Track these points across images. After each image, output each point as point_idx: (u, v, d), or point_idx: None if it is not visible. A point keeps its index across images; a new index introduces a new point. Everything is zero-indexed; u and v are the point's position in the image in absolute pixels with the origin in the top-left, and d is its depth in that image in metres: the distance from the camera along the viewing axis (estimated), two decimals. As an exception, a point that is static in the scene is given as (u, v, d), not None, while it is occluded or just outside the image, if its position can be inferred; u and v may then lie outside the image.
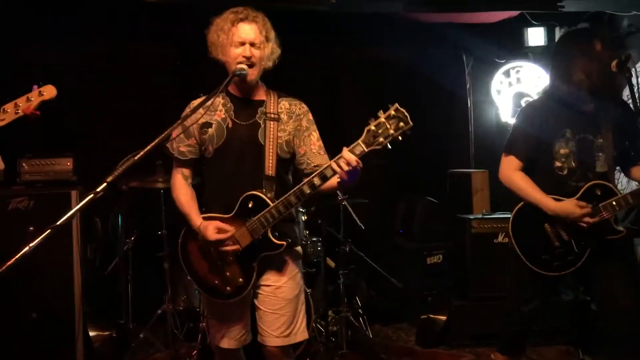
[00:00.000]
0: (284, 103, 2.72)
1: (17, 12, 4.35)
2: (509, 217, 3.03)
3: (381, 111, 2.38)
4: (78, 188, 4.04)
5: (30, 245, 1.93)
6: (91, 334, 4.08)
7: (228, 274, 2.63)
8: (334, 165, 2.40)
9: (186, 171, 2.75)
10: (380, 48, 5.21)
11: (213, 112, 2.66)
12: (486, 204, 4.67)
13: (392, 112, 2.36)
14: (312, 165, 2.68)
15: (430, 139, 4.90)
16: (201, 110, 2.58)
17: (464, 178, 4.85)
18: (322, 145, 2.74)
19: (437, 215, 4.95)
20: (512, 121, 5.24)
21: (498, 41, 5.29)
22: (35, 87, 2.50)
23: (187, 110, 2.66)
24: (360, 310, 4.47)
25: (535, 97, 5.03)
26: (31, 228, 3.87)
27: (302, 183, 2.52)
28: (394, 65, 5.26)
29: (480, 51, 5.39)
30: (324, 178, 2.46)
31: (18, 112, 2.43)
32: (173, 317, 4.20)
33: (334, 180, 2.48)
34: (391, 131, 2.36)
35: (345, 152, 2.38)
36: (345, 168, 2.36)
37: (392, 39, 5.07)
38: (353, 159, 2.36)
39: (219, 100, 2.68)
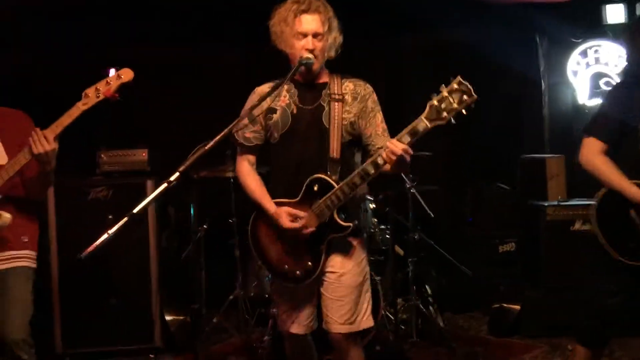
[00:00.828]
0: (348, 84, 2.70)
1: (104, 18, 4.54)
2: (587, 204, 2.90)
3: (443, 85, 2.34)
4: (153, 178, 4.19)
5: (109, 232, 2.02)
6: (167, 318, 4.24)
7: (297, 257, 2.65)
8: (383, 155, 2.42)
9: (251, 158, 2.78)
10: (447, 31, 5.09)
11: (277, 99, 2.67)
12: (562, 190, 4.49)
13: (455, 86, 2.31)
14: (376, 147, 2.67)
15: (501, 124, 4.76)
16: (263, 97, 2.60)
17: (538, 164, 4.69)
18: (385, 127, 2.73)
19: (508, 203, 4.82)
20: (589, 103, 5.04)
21: (574, 20, 5.05)
22: (113, 70, 2.60)
23: (253, 96, 2.69)
24: (430, 299, 4.42)
25: (616, 77, 4.80)
26: (110, 216, 4.06)
27: (365, 163, 2.52)
28: (463, 48, 5.12)
29: (554, 31, 5.16)
30: (381, 162, 2.45)
31: (99, 96, 2.53)
32: (244, 303, 4.29)
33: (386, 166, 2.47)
34: (455, 105, 2.31)
35: (390, 142, 2.40)
36: (392, 158, 2.38)
37: (461, 21, 4.94)
38: (397, 150, 2.37)
39: (283, 86, 2.68)
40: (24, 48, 4.65)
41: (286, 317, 2.79)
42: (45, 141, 2.54)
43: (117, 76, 2.54)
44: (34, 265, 2.87)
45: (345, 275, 2.67)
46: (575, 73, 5.17)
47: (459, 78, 2.30)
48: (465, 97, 2.29)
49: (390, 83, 5.18)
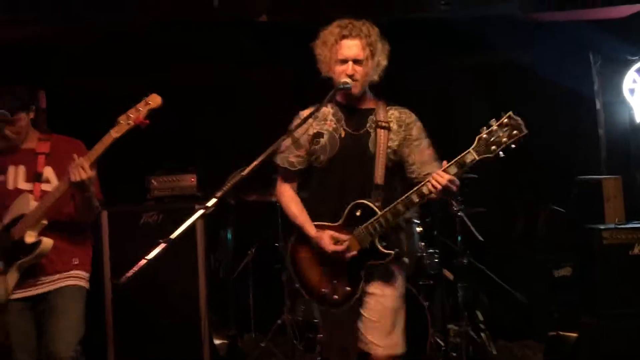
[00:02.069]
0: (394, 112, 2.72)
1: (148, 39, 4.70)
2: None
3: (494, 119, 2.38)
4: (202, 202, 4.26)
5: (147, 257, 2.05)
6: (216, 342, 4.27)
7: (336, 281, 2.66)
8: (429, 185, 2.46)
9: (294, 182, 2.80)
10: (500, 52, 5.00)
11: (323, 122, 2.70)
12: (620, 212, 4.30)
13: (506, 120, 2.35)
14: (423, 174, 2.66)
15: (553, 144, 4.63)
16: (310, 121, 2.65)
17: (594, 185, 4.52)
18: (432, 153, 2.72)
19: (563, 225, 4.65)
20: (647, 122, 4.85)
21: (629, 37, 4.90)
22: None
23: (297, 121, 2.71)
24: (481, 325, 4.30)
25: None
26: (160, 240, 4.14)
27: (410, 191, 2.52)
28: (512, 69, 5.03)
29: (609, 49, 5.01)
30: (422, 195, 2.50)
31: (129, 123, 2.63)
32: (292, 328, 4.28)
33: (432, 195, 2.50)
34: (504, 139, 2.34)
35: (437, 173, 2.44)
36: (437, 187, 2.42)
37: (513, 41, 4.87)
38: (443, 180, 2.41)
39: (328, 110, 2.71)
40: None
41: (331, 344, 2.83)
42: (82, 170, 2.64)
43: (145, 103, 2.63)
44: (86, 286, 2.95)
45: (385, 297, 2.66)
46: (632, 91, 4.99)
47: (510, 113, 2.35)
48: (515, 131, 2.33)
49: (441, 105, 5.13)
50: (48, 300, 2.85)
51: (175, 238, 2.12)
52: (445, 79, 5.18)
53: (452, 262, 4.29)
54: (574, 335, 4.13)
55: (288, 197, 2.79)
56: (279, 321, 4.28)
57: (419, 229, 4.17)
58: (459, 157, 2.43)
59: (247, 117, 4.98)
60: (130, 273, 2.03)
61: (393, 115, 2.70)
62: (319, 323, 3.01)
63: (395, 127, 2.68)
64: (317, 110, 2.60)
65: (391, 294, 2.68)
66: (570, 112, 5.18)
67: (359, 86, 2.63)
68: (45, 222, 2.75)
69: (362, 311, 2.69)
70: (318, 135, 2.67)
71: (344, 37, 2.59)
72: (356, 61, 2.59)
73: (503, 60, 5.06)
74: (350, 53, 2.58)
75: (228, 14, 4.18)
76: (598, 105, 5.17)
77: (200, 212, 2.10)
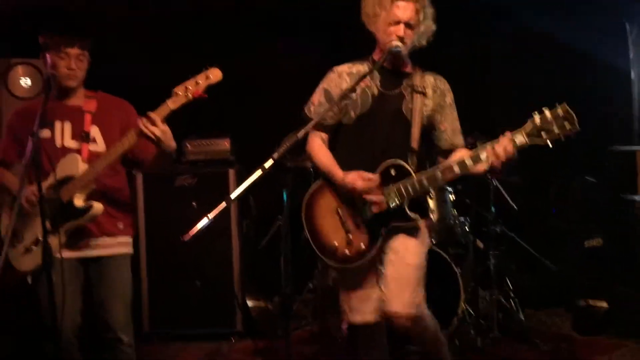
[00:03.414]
0: (429, 78, 2.71)
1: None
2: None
3: (547, 108, 2.38)
4: (235, 167, 4.30)
5: (209, 216, 2.06)
6: (249, 304, 4.33)
7: (352, 236, 2.61)
8: (490, 151, 2.41)
9: (324, 136, 2.76)
10: (531, 20, 4.93)
11: (357, 79, 2.65)
12: (653, 183, 4.29)
13: (560, 112, 2.36)
14: (450, 143, 2.70)
15: (587, 115, 4.55)
16: (345, 76, 2.64)
17: (627, 156, 4.50)
18: (459, 126, 2.74)
19: (596, 196, 4.63)
20: (683, 93, 4.78)
21: (667, 6, 4.80)
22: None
23: (333, 75, 2.70)
24: (511, 293, 4.32)
25: None
26: (194, 203, 4.20)
27: (452, 160, 2.52)
28: (545, 38, 4.96)
29: (646, 18, 4.93)
30: (477, 160, 2.46)
31: (188, 96, 2.56)
32: (322, 291, 4.33)
33: (481, 166, 2.47)
34: (555, 130, 2.36)
35: (506, 140, 2.40)
36: (502, 156, 2.39)
37: (545, 9, 4.79)
38: (511, 150, 2.39)
39: (364, 68, 2.68)
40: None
41: (351, 307, 2.73)
42: (154, 126, 2.56)
43: (205, 76, 2.57)
44: (131, 251, 2.95)
45: (409, 253, 2.60)
46: (668, 62, 4.91)
47: (565, 105, 2.35)
48: (567, 124, 2.34)
49: (473, 75, 5.09)
50: (99, 267, 2.83)
51: (235, 198, 2.11)
52: (481, 49, 5.13)
53: (483, 230, 4.29)
54: (604, 304, 4.15)
55: (318, 146, 2.73)
56: (310, 285, 4.34)
57: (451, 197, 4.18)
58: (510, 135, 2.43)
59: (280, 85, 4.98)
60: (193, 231, 2.04)
61: (429, 80, 2.69)
62: (337, 289, 2.87)
63: (430, 92, 2.67)
64: (370, 72, 2.58)
65: (415, 250, 2.62)
66: (604, 83, 5.12)
67: (406, 49, 2.62)
68: (94, 185, 2.72)
69: (382, 268, 2.62)
70: (351, 90, 2.62)
71: None
72: (408, 24, 2.57)
73: (536, 29, 4.99)
74: (405, 16, 2.56)
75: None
76: (633, 76, 5.10)
77: (259, 172, 2.10)
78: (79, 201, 2.70)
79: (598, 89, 5.05)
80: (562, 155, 4.90)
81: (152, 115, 2.57)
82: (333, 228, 2.65)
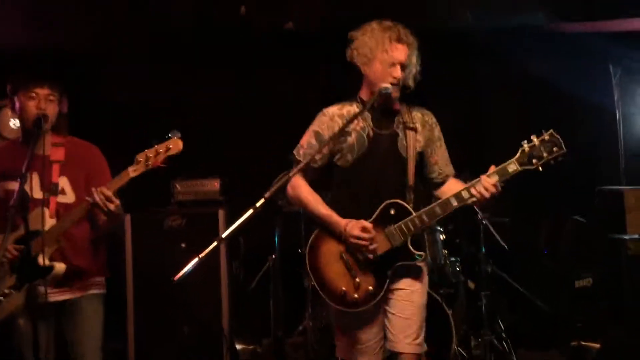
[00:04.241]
0: (417, 113, 2.75)
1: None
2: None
3: (534, 135, 2.50)
4: (224, 207, 4.28)
5: (200, 256, 2.03)
6: (238, 347, 4.26)
7: (358, 280, 2.59)
8: (473, 190, 2.51)
9: (310, 179, 2.74)
10: (519, 62, 5.03)
11: (349, 119, 2.65)
12: (641, 223, 4.31)
13: (547, 137, 2.49)
14: (444, 174, 2.76)
15: (575, 154, 4.60)
16: (336, 119, 2.66)
17: (615, 196, 4.52)
18: (448, 156, 2.80)
19: (586, 236, 4.64)
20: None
21: (649, 49, 4.91)
22: (171, 134, 2.65)
23: (323, 118, 2.71)
24: (503, 334, 4.28)
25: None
26: (183, 244, 4.16)
27: (449, 195, 2.55)
28: (535, 79, 5.06)
29: (628, 60, 5.04)
30: (470, 193, 2.52)
31: (148, 165, 2.61)
32: (314, 334, 4.27)
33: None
34: (545, 154, 2.48)
35: (483, 179, 2.50)
36: (484, 194, 2.49)
37: (534, 51, 4.90)
38: (490, 186, 2.48)
39: (354, 109, 2.69)
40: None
41: (357, 350, 2.69)
42: (108, 202, 2.61)
43: (166, 147, 2.60)
44: (104, 291, 2.92)
45: (415, 293, 2.65)
46: (652, 103, 5.00)
47: (551, 131, 2.49)
48: (555, 148, 2.47)
49: (465, 115, 5.15)
50: (68, 309, 2.81)
51: (225, 237, 2.09)
52: (473, 89, 5.21)
53: (475, 270, 4.28)
54: (597, 345, 4.11)
55: (307, 191, 2.70)
56: (301, 327, 4.27)
57: (442, 237, 4.17)
58: (500, 166, 2.51)
59: (270, 126, 5.00)
60: (183, 271, 2.01)
61: (417, 116, 2.73)
62: (335, 324, 2.83)
63: (420, 127, 2.70)
64: (362, 112, 2.60)
65: (420, 290, 2.67)
66: (590, 123, 5.20)
67: (398, 90, 2.65)
68: (61, 242, 2.71)
69: (389, 308, 2.64)
70: (344, 133, 2.63)
71: (397, 40, 2.60)
72: (402, 66, 2.61)
73: (526, 70, 5.09)
74: (401, 57, 2.60)
75: (255, 21, 4.20)
76: (618, 116, 5.18)
77: (250, 211, 2.09)
78: (41, 260, 2.65)
79: (584, 129, 5.13)
80: (551, 195, 5.01)
81: (106, 191, 2.61)
82: (339, 274, 2.63)
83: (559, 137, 2.47)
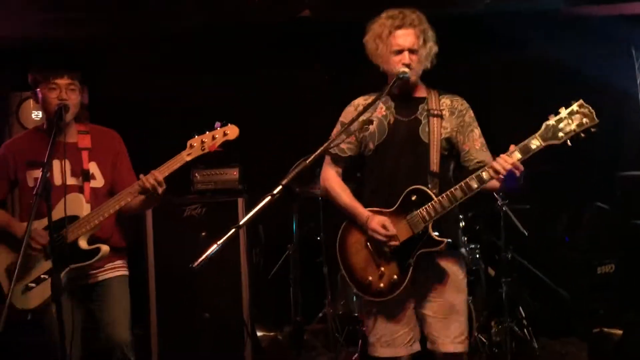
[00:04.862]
0: (445, 100, 2.71)
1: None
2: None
3: (563, 107, 2.38)
4: (244, 196, 4.31)
5: (218, 242, 2.05)
6: (259, 334, 4.29)
7: (383, 269, 2.59)
8: (490, 171, 2.44)
9: (340, 169, 2.77)
10: (540, 48, 4.96)
11: (373, 109, 2.68)
12: (665, 208, 4.25)
13: (576, 108, 2.36)
14: (476, 161, 2.67)
15: (596, 141, 4.55)
16: (361, 109, 2.64)
17: (637, 182, 4.47)
18: (484, 141, 2.72)
19: (607, 222, 4.59)
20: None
21: (672, 31, 4.82)
22: (218, 124, 2.69)
23: (350, 109, 2.74)
24: (524, 321, 4.26)
25: None
26: (203, 233, 4.19)
27: (469, 177, 2.50)
28: (554, 66, 4.99)
29: (651, 44, 4.96)
30: (487, 177, 2.47)
31: (204, 149, 2.64)
32: (334, 321, 4.29)
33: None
34: (573, 127, 2.35)
35: (500, 157, 2.42)
36: (500, 173, 2.40)
37: (551, 38, 4.82)
38: (507, 165, 2.39)
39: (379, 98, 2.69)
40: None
41: (382, 341, 2.69)
42: (158, 185, 2.68)
43: (223, 132, 2.65)
44: (127, 272, 3.03)
45: (447, 291, 2.63)
46: (675, 86, 4.91)
47: (581, 101, 2.36)
48: (585, 119, 2.34)
49: (478, 103, 5.10)
50: (97, 291, 2.90)
51: (243, 224, 2.10)
52: (488, 76, 5.16)
53: (494, 257, 4.25)
54: (619, 332, 4.07)
55: (336, 182, 2.74)
56: (320, 314, 4.29)
57: (462, 224, 4.15)
58: (523, 142, 2.41)
59: (287, 116, 5.01)
60: (202, 258, 2.03)
61: (445, 103, 2.70)
62: (365, 315, 2.84)
63: (448, 114, 2.67)
64: (377, 99, 2.60)
65: (451, 287, 2.64)
66: (612, 108, 5.12)
67: (415, 74, 2.64)
68: (98, 228, 2.78)
69: (424, 311, 2.64)
70: (367, 122, 2.64)
71: (397, 27, 2.59)
72: (411, 50, 2.59)
73: (545, 57, 5.03)
74: (406, 43, 2.59)
75: (269, 10, 4.20)
76: (640, 101, 5.10)
77: (267, 198, 2.09)
78: (84, 244, 2.74)
79: (606, 115, 5.03)
80: (572, 181, 4.95)
81: (158, 176, 2.67)
82: (365, 263, 2.64)
83: (589, 107, 2.34)
